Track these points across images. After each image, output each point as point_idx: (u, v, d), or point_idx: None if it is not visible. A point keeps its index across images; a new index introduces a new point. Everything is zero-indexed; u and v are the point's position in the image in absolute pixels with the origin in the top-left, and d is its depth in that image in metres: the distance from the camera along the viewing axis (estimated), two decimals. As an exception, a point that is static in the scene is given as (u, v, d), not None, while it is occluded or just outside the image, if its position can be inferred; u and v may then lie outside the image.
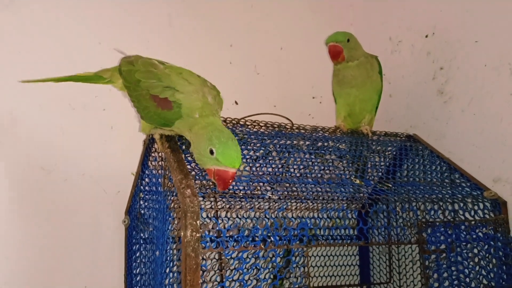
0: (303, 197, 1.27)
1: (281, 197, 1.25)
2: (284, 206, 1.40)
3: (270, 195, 1.23)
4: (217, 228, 1.15)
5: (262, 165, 1.44)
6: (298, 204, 1.43)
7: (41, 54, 1.71)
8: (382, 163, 1.69)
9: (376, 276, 1.97)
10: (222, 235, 1.14)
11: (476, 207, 1.47)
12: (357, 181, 1.44)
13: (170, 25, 1.98)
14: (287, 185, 1.31)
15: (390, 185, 1.45)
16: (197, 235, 1.10)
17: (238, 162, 1.15)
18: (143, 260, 1.57)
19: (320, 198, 1.29)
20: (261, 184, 1.29)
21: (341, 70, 1.79)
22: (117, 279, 1.71)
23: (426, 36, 1.92)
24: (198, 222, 1.11)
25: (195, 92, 1.24)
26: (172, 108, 1.23)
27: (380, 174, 1.59)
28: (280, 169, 1.45)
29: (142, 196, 1.60)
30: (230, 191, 1.23)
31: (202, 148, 1.16)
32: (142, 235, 1.58)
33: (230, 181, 1.16)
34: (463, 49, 1.76)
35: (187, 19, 2.02)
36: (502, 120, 1.59)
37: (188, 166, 1.32)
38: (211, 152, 1.15)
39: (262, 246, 1.18)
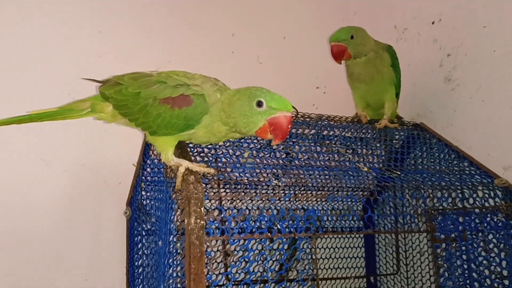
0: (310, 185, 1.23)
1: (287, 185, 1.22)
2: (291, 194, 1.36)
3: (276, 182, 1.19)
4: (222, 215, 1.11)
5: (266, 154, 1.40)
6: (305, 192, 1.39)
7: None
8: (389, 151, 1.65)
9: (382, 268, 1.93)
10: (227, 222, 1.11)
11: (487, 195, 1.43)
12: (365, 169, 1.40)
13: (171, 15, 1.94)
14: (294, 172, 1.27)
15: (399, 173, 1.41)
16: (201, 222, 1.06)
17: (290, 105, 1.12)
18: (145, 252, 1.54)
19: (328, 186, 1.25)
20: (267, 171, 1.26)
21: (350, 66, 1.74)
22: (119, 272, 1.68)
23: (433, 23, 1.88)
24: (202, 209, 1.07)
25: (205, 81, 1.19)
26: (191, 102, 1.14)
27: (387, 162, 1.54)
28: (285, 158, 1.41)
29: (144, 186, 1.57)
30: (235, 179, 1.19)
31: (246, 109, 1.12)
32: (144, 226, 1.55)
33: (290, 126, 1.13)
34: (471, 35, 1.72)
35: (188, 8, 1.98)
36: (512, 106, 1.56)
37: (194, 150, 1.29)
38: (260, 104, 1.11)
39: (268, 234, 1.14)
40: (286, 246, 1.45)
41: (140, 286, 1.52)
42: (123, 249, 1.67)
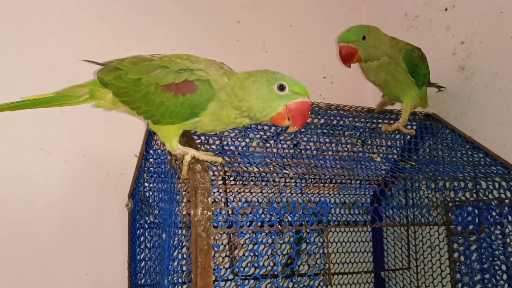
0: (322, 175, 1.17)
1: (298, 175, 1.16)
2: (302, 185, 1.31)
3: (288, 172, 1.14)
4: (230, 206, 1.05)
5: (276, 143, 1.34)
6: (317, 184, 1.33)
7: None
8: (402, 142, 1.59)
9: (391, 262, 1.88)
10: (235, 214, 1.05)
11: (504, 187, 1.38)
12: (378, 159, 1.34)
13: (174, 1, 1.88)
14: (305, 162, 1.21)
15: (413, 163, 1.35)
16: (209, 213, 1.01)
17: (309, 91, 1.10)
18: (148, 245, 1.48)
19: (340, 176, 1.19)
20: (277, 161, 1.20)
21: (362, 67, 1.61)
22: (120, 266, 1.62)
23: (446, 10, 1.81)
24: (209, 199, 1.02)
25: (209, 65, 1.13)
26: (196, 88, 1.07)
27: (401, 152, 1.49)
28: (295, 147, 1.35)
29: (147, 177, 1.51)
30: (244, 168, 1.13)
31: (265, 93, 1.07)
32: (146, 219, 1.49)
33: (309, 112, 1.09)
34: (486, 21, 1.65)
35: (192, -6, 1.91)
36: (529, 95, 1.50)
37: (197, 141, 1.23)
38: (282, 88, 1.07)
39: (279, 227, 1.08)
40: (296, 240, 1.40)
41: (143, 281, 1.47)
42: (124, 243, 1.62)
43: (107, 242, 1.64)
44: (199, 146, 1.24)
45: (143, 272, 1.49)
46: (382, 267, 1.91)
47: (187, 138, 1.20)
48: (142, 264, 1.50)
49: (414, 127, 1.64)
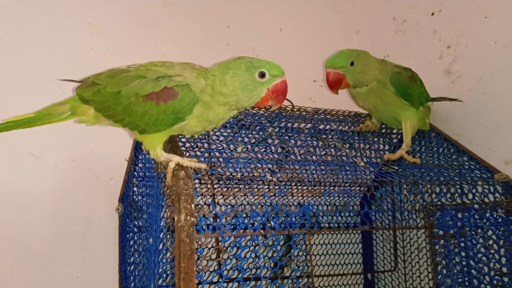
0: (305, 180, 1.19)
1: (281, 180, 1.18)
2: (285, 189, 1.33)
3: (270, 177, 1.16)
4: (214, 212, 1.07)
5: (261, 148, 1.37)
6: (300, 188, 1.35)
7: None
8: (387, 146, 1.62)
9: (380, 264, 1.90)
10: (219, 219, 1.07)
11: (486, 190, 1.40)
12: (362, 164, 1.36)
13: (164, 6, 1.90)
14: (289, 167, 1.23)
15: (396, 168, 1.37)
16: (192, 219, 1.03)
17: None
18: (138, 249, 1.50)
19: (323, 181, 1.21)
20: (260, 166, 1.22)
21: (351, 91, 1.55)
22: (111, 269, 1.64)
23: (432, 14, 1.83)
24: (192, 205, 1.04)
25: (183, 68, 1.14)
26: (177, 94, 1.09)
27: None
28: (280, 152, 1.37)
29: (136, 182, 1.53)
30: (228, 174, 1.15)
31: (248, 83, 1.11)
32: (136, 223, 1.51)
33: (287, 89, 1.17)
34: (471, 25, 1.67)
35: (182, -1, 1.93)
36: (513, 99, 1.52)
37: (183, 148, 1.25)
38: (263, 75, 1.12)
39: (262, 231, 1.10)
40: (281, 243, 1.42)
41: (132, 284, 1.49)
42: (115, 246, 1.64)
43: (97, 246, 1.66)
44: (184, 151, 1.26)
45: (133, 275, 1.51)
46: (372, 269, 1.93)
47: (172, 145, 1.21)
48: (132, 267, 1.51)
49: (400, 130, 1.66)
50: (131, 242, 1.53)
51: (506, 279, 1.33)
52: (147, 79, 1.11)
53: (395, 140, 1.62)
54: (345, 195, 1.21)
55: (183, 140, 1.31)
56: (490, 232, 1.34)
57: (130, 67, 1.18)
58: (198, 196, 1.11)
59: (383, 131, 1.65)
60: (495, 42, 1.58)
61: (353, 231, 1.90)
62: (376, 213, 1.67)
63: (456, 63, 1.71)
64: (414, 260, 1.76)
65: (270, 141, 1.43)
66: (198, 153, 1.26)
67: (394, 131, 1.66)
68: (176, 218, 1.03)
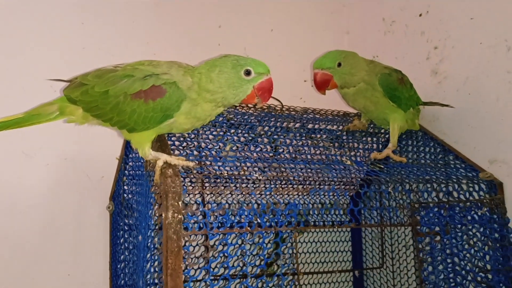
0: (292, 179, 1.21)
1: (269, 178, 1.20)
2: (272, 187, 1.35)
3: (257, 176, 1.18)
4: (201, 210, 1.09)
5: (250, 146, 1.39)
6: (287, 186, 1.38)
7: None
8: (374, 145, 1.64)
9: (369, 262, 1.93)
10: (206, 217, 1.09)
11: (471, 189, 1.43)
12: (348, 162, 1.38)
13: (156, 6, 1.91)
14: (276, 166, 1.25)
15: (382, 166, 1.40)
16: (179, 216, 1.05)
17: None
18: (128, 246, 1.52)
19: (310, 179, 1.23)
20: (248, 164, 1.24)
21: (340, 91, 1.57)
22: (102, 267, 1.66)
23: (420, 15, 1.86)
24: (180, 203, 1.06)
25: (170, 67, 1.16)
26: (165, 92, 1.11)
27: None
28: (269, 151, 1.39)
29: (126, 180, 1.55)
30: (215, 172, 1.17)
31: (235, 81, 1.13)
32: (126, 221, 1.53)
33: (273, 87, 1.18)
34: (458, 27, 1.70)
35: (174, -1, 1.95)
36: (498, 99, 1.54)
37: (172, 147, 1.26)
38: (248, 73, 1.14)
39: (248, 229, 1.12)
40: (267, 240, 1.44)
41: (123, 282, 1.51)
42: (106, 244, 1.66)
43: (89, 244, 1.67)
44: (173, 150, 1.27)
45: (123, 273, 1.52)
46: (361, 266, 1.96)
47: (161, 143, 1.23)
48: (123, 265, 1.53)
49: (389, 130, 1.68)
50: (122, 240, 1.55)
51: (489, 276, 1.36)
52: (135, 78, 1.12)
53: (382, 140, 1.64)
54: (331, 193, 1.23)
55: (172, 139, 1.33)
56: (474, 230, 1.37)
57: (117, 66, 1.19)
58: (186, 194, 1.13)
59: (371, 130, 1.67)
60: (481, 43, 1.61)
61: (341, 229, 1.92)
62: (365, 211, 1.69)
63: (443, 63, 1.74)
64: (402, 258, 1.79)
65: (259, 140, 1.45)
66: (186, 152, 1.27)
67: (382, 130, 1.69)
68: (163, 215, 1.05)
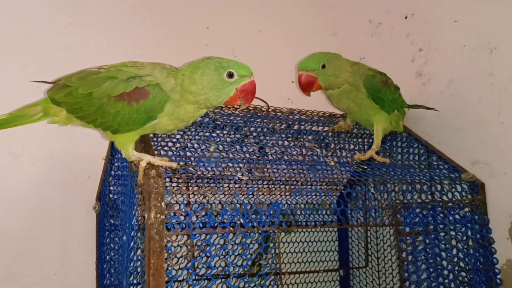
0: (275, 179, 1.22)
1: (252, 179, 1.21)
2: (255, 188, 1.36)
3: (240, 176, 1.19)
4: (184, 210, 1.10)
5: (233, 147, 1.40)
6: (270, 187, 1.39)
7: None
8: (359, 146, 1.66)
9: (355, 261, 1.95)
10: (188, 217, 1.10)
11: (453, 189, 1.45)
12: (332, 163, 1.40)
13: (143, 6, 1.92)
14: (259, 166, 1.27)
15: (366, 167, 1.42)
16: (162, 217, 1.06)
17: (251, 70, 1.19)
18: (114, 247, 1.52)
19: (293, 180, 1.25)
20: (231, 165, 1.25)
21: (325, 93, 1.57)
22: (88, 267, 1.66)
23: (406, 18, 1.88)
24: (162, 203, 1.07)
25: (153, 68, 1.17)
26: (148, 94, 1.12)
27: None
28: (253, 152, 1.41)
29: (112, 181, 1.55)
30: (198, 173, 1.18)
31: (217, 83, 1.14)
32: (112, 221, 1.53)
33: (256, 89, 1.20)
34: (442, 29, 1.72)
35: (162, 0, 1.95)
36: (480, 101, 1.57)
37: (155, 148, 1.27)
38: (231, 75, 1.15)
39: (231, 229, 1.13)
40: (250, 240, 1.45)
41: (108, 281, 1.51)
42: (92, 244, 1.66)
43: (75, 244, 1.68)
44: (157, 151, 1.28)
45: (109, 273, 1.53)
46: (347, 266, 1.98)
47: (145, 144, 1.24)
48: (109, 265, 1.54)
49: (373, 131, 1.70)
50: (107, 240, 1.55)
51: (470, 276, 1.38)
52: (118, 80, 1.13)
53: (367, 141, 1.66)
54: (314, 194, 1.24)
55: (155, 139, 1.34)
56: (455, 230, 1.39)
57: (101, 68, 1.20)
58: (169, 194, 1.14)
59: (355, 131, 1.69)
60: (464, 46, 1.63)
61: (328, 229, 1.93)
62: (352, 211, 1.71)
63: (428, 65, 1.76)
64: (387, 258, 1.80)
65: (244, 141, 1.46)
66: (170, 153, 1.28)
67: (367, 131, 1.70)
68: (146, 215, 1.06)
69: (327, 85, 1.50)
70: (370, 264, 1.87)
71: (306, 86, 1.50)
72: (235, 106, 1.59)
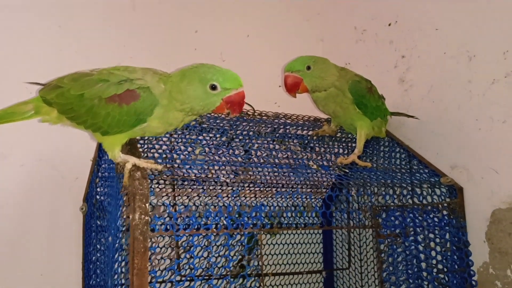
0: (258, 182, 1.26)
1: (235, 181, 1.24)
2: (239, 190, 1.39)
3: (224, 179, 1.22)
4: (168, 211, 1.13)
5: (220, 150, 1.43)
6: (255, 189, 1.42)
7: None
8: (341, 150, 1.69)
9: (339, 263, 1.98)
10: (173, 218, 1.13)
11: (432, 193, 1.49)
12: (314, 166, 1.43)
13: (133, 10, 1.94)
14: (243, 169, 1.30)
15: (347, 171, 1.45)
16: (146, 218, 1.08)
17: (241, 81, 1.17)
18: (100, 247, 1.54)
19: (275, 182, 1.28)
20: (216, 168, 1.28)
21: (311, 96, 1.60)
22: (75, 267, 1.67)
23: (389, 25, 1.92)
24: (147, 205, 1.09)
25: (145, 73, 1.20)
26: (139, 97, 1.15)
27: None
28: (238, 155, 1.44)
29: (99, 182, 1.57)
30: (183, 175, 1.21)
31: (200, 94, 1.14)
32: (98, 222, 1.55)
33: (244, 100, 1.18)
34: (424, 37, 1.77)
35: (151, 3, 1.98)
36: (459, 107, 1.61)
37: (140, 149, 1.30)
38: (214, 88, 1.14)
39: (214, 230, 1.16)
40: (232, 242, 1.48)
41: (94, 282, 1.53)
42: (79, 245, 1.67)
43: (62, 244, 1.69)
44: (142, 153, 1.31)
45: (96, 274, 1.54)
46: (331, 267, 2.01)
47: (131, 146, 1.27)
48: (95, 266, 1.56)
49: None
50: (94, 241, 1.57)
51: (447, 277, 1.42)
52: (110, 82, 1.16)
53: (350, 145, 1.70)
54: (296, 196, 1.28)
55: (142, 142, 1.36)
56: (434, 232, 1.43)
57: (93, 71, 1.22)
58: (154, 196, 1.17)
59: (339, 135, 1.73)
60: (444, 53, 1.68)
61: (312, 231, 1.97)
62: (336, 214, 1.75)
63: (410, 72, 1.81)
64: (369, 259, 1.84)
65: (229, 144, 1.49)
66: (156, 155, 1.31)
67: (350, 136, 1.74)
68: (131, 216, 1.08)
69: (313, 87, 1.53)
70: (353, 265, 1.91)
71: (292, 87, 1.52)
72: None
